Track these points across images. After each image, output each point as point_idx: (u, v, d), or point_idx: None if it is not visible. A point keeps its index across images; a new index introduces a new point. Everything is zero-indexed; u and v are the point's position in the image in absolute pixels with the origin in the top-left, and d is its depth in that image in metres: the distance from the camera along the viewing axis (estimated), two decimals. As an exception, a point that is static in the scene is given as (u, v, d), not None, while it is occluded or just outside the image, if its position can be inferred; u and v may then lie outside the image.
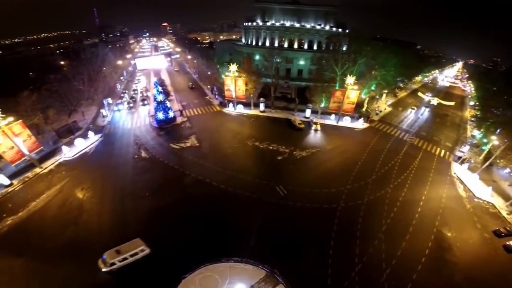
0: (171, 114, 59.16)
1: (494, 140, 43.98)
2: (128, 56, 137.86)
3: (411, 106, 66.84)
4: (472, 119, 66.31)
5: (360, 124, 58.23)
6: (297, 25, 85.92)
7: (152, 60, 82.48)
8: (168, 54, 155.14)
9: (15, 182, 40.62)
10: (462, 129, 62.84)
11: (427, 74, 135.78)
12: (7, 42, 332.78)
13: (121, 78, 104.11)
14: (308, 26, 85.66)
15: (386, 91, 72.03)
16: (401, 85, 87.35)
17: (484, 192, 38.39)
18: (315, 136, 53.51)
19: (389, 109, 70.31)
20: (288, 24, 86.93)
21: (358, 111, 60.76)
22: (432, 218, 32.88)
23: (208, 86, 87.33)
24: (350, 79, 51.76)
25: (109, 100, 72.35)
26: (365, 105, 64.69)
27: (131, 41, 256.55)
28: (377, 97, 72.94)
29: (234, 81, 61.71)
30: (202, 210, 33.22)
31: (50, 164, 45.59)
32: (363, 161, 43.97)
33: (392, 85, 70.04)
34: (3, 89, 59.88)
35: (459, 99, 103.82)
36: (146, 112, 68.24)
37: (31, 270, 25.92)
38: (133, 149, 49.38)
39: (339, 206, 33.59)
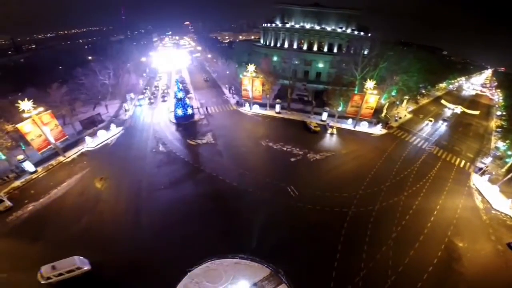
0: (189, 111, 60.90)
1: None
2: (152, 53, 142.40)
3: (428, 118, 63.85)
4: (498, 129, 63.02)
5: (378, 130, 56.99)
6: (317, 27, 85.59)
7: (175, 57, 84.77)
8: (190, 53, 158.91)
9: (39, 169, 43.44)
10: (485, 139, 59.91)
11: (453, 81, 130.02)
12: (40, 36, 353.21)
13: (144, 74, 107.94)
14: (329, 28, 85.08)
15: (407, 97, 69.76)
16: (423, 91, 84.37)
17: (503, 205, 36.85)
18: (330, 140, 53.06)
19: (409, 116, 68.13)
20: (308, 26, 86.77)
21: (376, 116, 59.45)
22: (445, 228, 32.05)
23: (226, 85, 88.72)
24: (369, 84, 50.84)
25: (132, 95, 75.56)
26: (384, 111, 63.14)
27: (155, 39, 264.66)
28: (397, 103, 70.92)
29: (251, 81, 62.41)
30: (213, 206, 34.07)
31: (73, 153, 48.36)
32: (378, 167, 43.20)
33: (414, 91, 67.72)
34: (36, 81, 64.08)
35: (485, 108, 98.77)
36: (166, 108, 70.53)
37: (43, 256, 27.23)
38: (151, 143, 51.36)
39: (350, 210, 33.33)
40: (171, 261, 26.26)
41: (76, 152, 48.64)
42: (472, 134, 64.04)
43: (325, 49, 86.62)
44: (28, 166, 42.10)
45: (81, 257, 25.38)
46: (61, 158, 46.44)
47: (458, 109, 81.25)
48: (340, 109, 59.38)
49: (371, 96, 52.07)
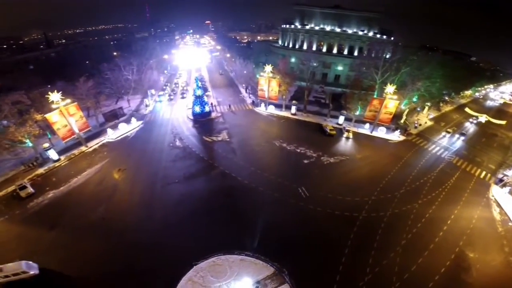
0: (207, 109, 62.30)
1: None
2: (173, 51, 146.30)
3: (446, 129, 60.79)
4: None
5: (396, 136, 55.47)
6: (338, 29, 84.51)
7: (195, 56, 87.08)
8: (209, 51, 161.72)
9: (62, 158, 46.10)
10: (510, 151, 56.60)
11: (479, 88, 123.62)
12: (70, 32, 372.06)
13: (165, 71, 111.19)
14: (349, 31, 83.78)
15: (429, 103, 67.32)
16: (446, 98, 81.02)
17: (521, 217, 35.02)
18: (346, 144, 52.35)
19: (430, 123, 65.66)
20: (328, 28, 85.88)
21: (395, 122, 57.89)
22: (457, 237, 31.07)
23: (243, 85, 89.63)
24: (390, 88, 49.64)
25: (153, 91, 78.23)
26: (404, 117, 61.33)
27: (177, 37, 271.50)
28: (418, 109, 68.63)
29: (268, 82, 62.76)
30: (224, 202, 34.82)
31: (94, 144, 50.95)
32: (393, 174, 42.22)
33: (436, 98, 65.21)
34: (65, 74, 67.99)
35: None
36: (184, 104, 72.44)
37: (57, 243, 29.00)
38: (169, 137, 53.08)
39: (361, 215, 32.93)
40: (179, 254, 27.13)
41: (98, 143, 51.19)
42: (496, 145, 60.77)
43: (345, 52, 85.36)
44: (52, 154, 44.78)
45: (29, 262, 25.39)
46: (83, 148, 49.06)
47: (483, 118, 77.20)
48: (357, 113, 58.39)
49: (390, 101, 50.82)
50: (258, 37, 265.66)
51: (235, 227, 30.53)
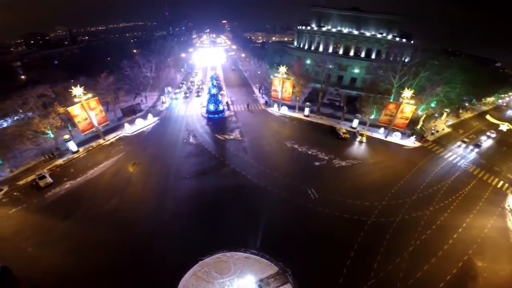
0: (220, 107, 63.29)
1: None
2: (191, 49, 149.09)
3: (462, 139, 58.04)
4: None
5: (411, 142, 54.09)
6: (355, 32, 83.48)
7: (211, 55, 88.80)
8: (225, 51, 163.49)
9: (81, 149, 48.25)
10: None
11: (503, 95, 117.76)
12: (93, 29, 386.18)
13: (182, 69, 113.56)
14: (368, 34, 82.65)
15: (447, 110, 65.05)
16: (466, 105, 77.95)
17: (538, 228, 33.32)
18: (358, 148, 51.65)
19: (447, 130, 63.38)
20: (345, 30, 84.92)
21: (411, 128, 56.44)
22: (467, 246, 30.18)
23: (257, 85, 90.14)
24: (407, 93, 48.53)
25: (169, 88, 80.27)
26: (421, 123, 59.67)
27: (194, 36, 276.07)
28: (436, 115, 66.57)
29: (282, 83, 62.88)
30: (233, 199, 35.35)
31: (112, 137, 53.00)
32: (406, 180, 41.32)
33: (456, 104, 62.86)
34: (87, 70, 70.96)
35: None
36: (199, 102, 73.84)
37: (70, 232, 30.25)
38: (183, 134, 54.45)
39: (369, 220, 32.53)
40: (185, 248, 27.88)
41: (115, 137, 53.25)
42: (518, 154, 57.86)
43: (362, 54, 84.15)
44: (72, 145, 47.00)
45: None
46: (101, 141, 51.17)
47: (505, 126, 73.62)
48: (372, 117, 57.42)
49: (407, 106, 49.66)
50: (273, 38, 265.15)
51: (242, 225, 30.93)
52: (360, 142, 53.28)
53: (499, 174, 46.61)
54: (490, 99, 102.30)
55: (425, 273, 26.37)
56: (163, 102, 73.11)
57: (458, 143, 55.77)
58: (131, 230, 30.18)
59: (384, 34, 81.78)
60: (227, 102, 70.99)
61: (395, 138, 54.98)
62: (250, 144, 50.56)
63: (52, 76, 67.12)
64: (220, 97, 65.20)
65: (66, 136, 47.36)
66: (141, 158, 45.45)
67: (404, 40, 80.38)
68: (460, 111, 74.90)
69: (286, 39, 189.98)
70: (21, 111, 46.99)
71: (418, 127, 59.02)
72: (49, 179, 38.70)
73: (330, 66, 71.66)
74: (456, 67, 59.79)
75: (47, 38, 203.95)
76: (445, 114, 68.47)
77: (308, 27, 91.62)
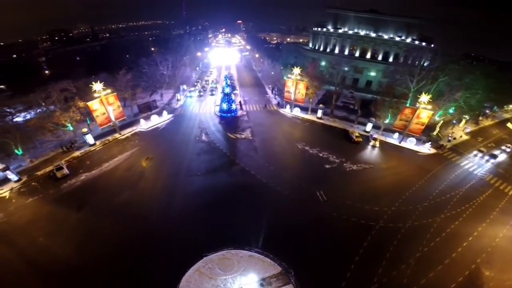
0: (233, 106, 63.96)
1: None
2: (206, 49, 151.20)
3: (478, 148, 55.37)
4: None
5: (426, 148, 52.55)
6: (373, 34, 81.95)
7: (226, 54, 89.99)
8: (239, 51, 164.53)
9: (97, 143, 50.07)
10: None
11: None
12: (113, 26, 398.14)
13: (197, 68, 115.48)
14: (386, 36, 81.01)
15: (467, 116, 62.62)
16: (487, 112, 74.66)
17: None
18: (371, 152, 50.75)
19: (465, 137, 60.96)
20: (362, 32, 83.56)
21: (427, 134, 54.82)
22: (476, 254, 29.25)
23: (270, 86, 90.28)
24: (424, 97, 47.24)
25: (184, 86, 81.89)
26: (437, 129, 57.76)
27: (210, 35, 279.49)
28: (454, 122, 64.26)
29: (295, 84, 62.70)
30: (241, 198, 35.75)
31: (127, 132, 54.69)
32: (418, 186, 40.28)
33: (476, 111, 60.33)
34: (107, 66, 73.70)
35: None
36: (212, 101, 74.93)
37: (81, 224, 31.41)
38: (196, 131, 55.51)
39: (377, 225, 32.05)
40: (191, 243, 28.44)
41: (130, 132, 54.93)
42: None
43: (379, 57, 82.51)
44: (89, 138, 48.92)
45: None
46: (117, 135, 52.95)
47: None
48: (387, 121, 56.18)
49: (424, 111, 48.31)
50: (288, 39, 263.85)
51: (249, 223, 31.21)
52: (373, 146, 52.32)
53: (517, 184, 44.51)
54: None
55: (429, 280, 25.89)
56: (178, 100, 74.69)
57: (475, 152, 53.67)
58: (140, 224, 31.12)
59: (403, 37, 79.82)
60: (239, 102, 71.59)
61: (410, 144, 53.59)
62: (261, 144, 50.84)
63: (74, 71, 70.30)
64: (233, 97, 65.88)
65: (85, 129, 49.33)
66: (155, 153, 46.72)
67: (423, 43, 78.10)
68: (480, 118, 71.82)
69: (301, 40, 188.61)
70: (44, 104, 49.48)
71: (435, 133, 57.21)
72: (66, 171, 40.29)
73: (346, 69, 70.76)
74: (478, 72, 57.43)
75: (71, 34, 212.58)
76: (463, 120, 65.93)
77: (324, 29, 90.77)
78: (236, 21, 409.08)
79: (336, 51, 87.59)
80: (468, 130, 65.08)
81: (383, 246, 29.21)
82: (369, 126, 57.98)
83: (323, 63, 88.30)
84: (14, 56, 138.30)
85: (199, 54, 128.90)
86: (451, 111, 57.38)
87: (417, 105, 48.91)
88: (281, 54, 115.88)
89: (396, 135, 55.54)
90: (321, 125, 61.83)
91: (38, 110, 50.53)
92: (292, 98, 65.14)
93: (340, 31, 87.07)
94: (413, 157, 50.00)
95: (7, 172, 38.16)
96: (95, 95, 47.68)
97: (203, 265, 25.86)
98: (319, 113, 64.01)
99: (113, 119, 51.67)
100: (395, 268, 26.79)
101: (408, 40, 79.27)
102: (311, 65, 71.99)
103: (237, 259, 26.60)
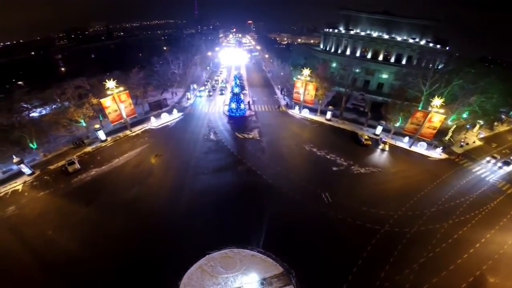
0: (242, 106, 64.33)
1: None
2: (217, 48, 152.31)
3: (492, 154, 53.36)
4: None
5: (437, 153, 51.31)
6: (385, 36, 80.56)
7: (236, 54, 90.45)
8: (249, 51, 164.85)
9: (109, 139, 51.38)
10: None
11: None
12: (127, 25, 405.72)
13: (208, 68, 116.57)
14: (399, 38, 79.46)
15: (481, 121, 60.68)
16: (503, 117, 72.00)
17: None
18: (380, 156, 50.00)
19: (479, 143, 59.07)
20: (375, 34, 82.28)
21: (438, 138, 53.58)
22: (482, 261, 28.52)
23: (279, 86, 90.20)
24: (437, 101, 46.17)
25: (195, 85, 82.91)
26: (450, 134, 56.27)
27: (221, 35, 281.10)
28: (468, 126, 62.36)
29: (305, 85, 62.47)
30: (246, 197, 35.99)
31: (138, 129, 55.87)
32: (427, 191, 39.45)
33: (491, 116, 58.26)
34: (121, 64, 75.45)
35: None
36: (222, 101, 75.58)
37: (89, 218, 32.17)
38: (204, 130, 56.18)
39: (383, 229, 31.64)
40: (195, 241, 28.81)
41: (141, 129, 56.11)
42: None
43: (392, 59, 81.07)
44: (101, 134, 50.26)
45: None
46: (127, 132, 54.18)
47: None
48: (397, 124, 55.20)
49: (436, 115, 47.22)
50: (299, 40, 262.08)
51: (253, 223, 31.39)
52: (383, 150, 51.53)
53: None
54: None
55: (432, 285, 25.53)
56: (188, 99, 75.69)
57: (488, 158, 52.05)
58: (146, 220, 31.79)
59: (417, 39, 78.14)
60: (248, 102, 71.89)
61: (420, 148, 52.49)
62: (268, 144, 50.97)
63: (88, 69, 72.27)
64: (242, 97, 66.25)
65: (97, 126, 50.68)
66: (164, 150, 47.55)
67: (438, 46, 76.25)
68: (495, 123, 69.40)
69: (312, 41, 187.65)
70: (59, 100, 51.14)
71: (447, 138, 55.80)
72: (77, 165, 41.50)
73: (357, 70, 69.93)
74: (494, 76, 55.55)
75: (87, 33, 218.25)
76: (477, 125, 63.98)
77: (336, 30, 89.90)
78: (246, 21, 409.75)
79: (348, 52, 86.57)
80: (482, 136, 63.19)
81: (387, 250, 28.90)
82: (379, 129, 57.15)
83: (333, 65, 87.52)
84: (33, 53, 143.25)
85: (209, 53, 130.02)
86: (464, 115, 55.81)
87: (429, 109, 47.89)
88: (291, 55, 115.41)
89: (407, 139, 54.53)
90: (329, 127, 61.36)
91: (53, 106, 52.26)
92: (301, 99, 64.92)
93: (352, 32, 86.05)
94: (423, 162, 48.96)
95: (22, 165, 39.64)
96: (108, 92, 48.93)
97: (205, 262, 26.22)
98: (328, 114, 63.51)
99: (124, 116, 52.87)
100: (398, 272, 26.50)
101: (422, 42, 77.52)
102: (322, 66, 71.52)
103: (239, 258, 26.83)
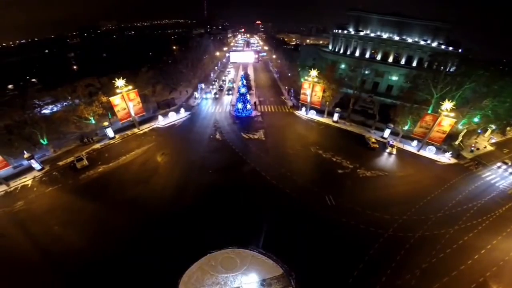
0: (248, 107, 64.47)
1: None
2: (225, 49, 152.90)
3: (503, 160, 51.53)
4: None
5: (446, 158, 50.17)
6: (396, 38, 79.23)
7: (243, 55, 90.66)
8: (257, 51, 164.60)
9: (117, 136, 52.28)
10: None
11: None
12: (139, 24, 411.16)
13: (216, 67, 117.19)
14: (410, 40, 77.98)
15: (493, 126, 58.95)
16: (516, 121, 69.62)
17: None
18: (387, 159, 49.25)
19: (490, 148, 57.39)
20: (385, 35, 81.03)
21: (448, 143, 52.40)
22: (486, 268, 27.80)
23: (286, 87, 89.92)
24: (447, 105, 45.14)
25: (202, 85, 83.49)
26: (460, 138, 54.92)
27: (229, 35, 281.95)
28: (479, 131, 60.71)
29: (312, 86, 62.04)
30: (250, 198, 35.97)
31: (145, 127, 56.67)
32: (433, 196, 38.62)
33: (504, 120, 56.42)
34: (130, 63, 76.63)
35: None
36: (228, 101, 75.94)
37: (95, 215, 32.64)
38: (210, 130, 56.56)
39: (386, 233, 31.17)
40: (197, 240, 28.99)
41: (148, 127, 56.90)
42: None
43: (402, 61, 79.70)
44: (110, 132, 51.22)
45: None
46: (135, 130, 55.03)
47: None
48: (406, 128, 54.23)
49: (446, 118, 46.17)
50: (308, 40, 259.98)
51: (255, 224, 31.37)
52: (390, 153, 50.72)
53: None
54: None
55: None
56: (195, 98, 76.31)
57: (499, 163, 50.57)
58: (149, 218, 32.13)
59: (429, 41, 76.58)
60: (255, 102, 71.92)
61: (429, 152, 51.46)
62: (273, 145, 50.86)
63: (99, 67, 73.75)
64: (248, 97, 66.34)
65: (106, 123, 51.70)
66: (170, 149, 48.10)
67: (450, 48, 74.51)
68: (508, 128, 67.28)
69: (321, 42, 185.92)
70: (70, 98, 52.37)
71: (456, 142, 54.50)
72: (85, 162, 42.34)
73: (366, 72, 69.04)
74: (509, 79, 53.84)
75: (99, 31, 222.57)
76: (489, 130, 62.21)
77: (345, 31, 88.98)
78: (255, 22, 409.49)
79: (357, 53, 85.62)
80: (493, 141, 61.45)
81: (390, 255, 28.50)
82: (386, 132, 56.25)
83: (342, 66, 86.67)
84: (46, 51, 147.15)
85: (218, 53, 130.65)
86: (476, 119, 54.36)
87: (439, 112, 46.87)
88: (300, 56, 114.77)
89: (415, 142, 53.55)
90: (336, 129, 60.79)
91: (64, 104, 53.54)
92: (308, 100, 64.49)
93: (361, 33, 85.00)
94: (432, 166, 47.98)
95: (32, 161, 40.71)
96: (117, 91, 49.81)
97: (206, 262, 26.37)
98: (335, 116, 62.91)
99: (133, 114, 53.70)
100: (399, 278, 26.11)
101: (434, 44, 75.93)
102: (330, 67, 70.84)
103: (240, 258, 26.89)
